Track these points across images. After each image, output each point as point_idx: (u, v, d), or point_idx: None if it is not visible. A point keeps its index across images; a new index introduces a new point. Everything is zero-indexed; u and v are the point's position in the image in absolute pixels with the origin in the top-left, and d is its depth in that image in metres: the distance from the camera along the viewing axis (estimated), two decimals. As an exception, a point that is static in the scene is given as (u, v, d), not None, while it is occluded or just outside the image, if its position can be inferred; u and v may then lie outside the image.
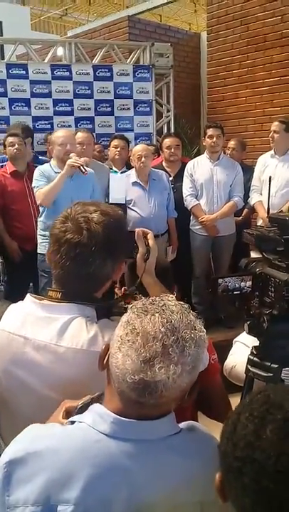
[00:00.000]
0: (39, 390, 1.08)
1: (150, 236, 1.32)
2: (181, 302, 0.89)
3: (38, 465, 0.83)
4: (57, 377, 1.07)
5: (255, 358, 1.30)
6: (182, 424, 0.94)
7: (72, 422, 0.90)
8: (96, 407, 0.89)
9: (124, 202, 1.09)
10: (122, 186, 1.10)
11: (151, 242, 1.31)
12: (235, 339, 1.72)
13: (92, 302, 1.14)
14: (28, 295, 1.18)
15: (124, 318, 0.87)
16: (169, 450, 0.86)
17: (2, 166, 3.97)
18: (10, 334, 1.11)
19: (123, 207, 3.95)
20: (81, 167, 3.19)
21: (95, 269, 1.11)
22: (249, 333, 1.28)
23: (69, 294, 1.12)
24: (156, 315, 0.83)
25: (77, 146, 3.83)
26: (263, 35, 5.42)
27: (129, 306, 0.89)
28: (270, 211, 3.61)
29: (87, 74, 5.19)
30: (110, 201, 1.30)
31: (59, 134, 3.32)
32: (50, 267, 1.18)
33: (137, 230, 1.31)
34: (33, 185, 3.31)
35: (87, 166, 3.53)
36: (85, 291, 1.13)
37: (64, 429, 0.89)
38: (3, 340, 1.11)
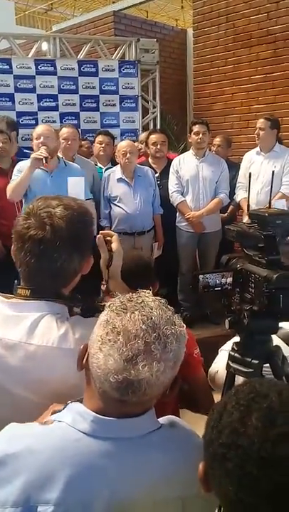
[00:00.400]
0: (13, 390, 1.06)
1: (114, 239, 1.29)
2: (158, 297, 0.89)
3: (16, 466, 0.81)
4: (29, 377, 1.05)
5: (236, 354, 1.30)
6: (162, 420, 0.93)
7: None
8: (76, 405, 0.87)
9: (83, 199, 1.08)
10: (80, 187, 1.09)
11: (115, 245, 1.28)
12: (221, 348, 1.71)
13: (62, 299, 1.13)
14: None
15: (103, 317, 0.86)
16: (149, 447, 0.86)
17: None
18: None
19: (95, 200, 3.87)
20: (44, 159, 3.10)
21: (61, 264, 1.09)
22: (230, 328, 1.28)
23: (38, 292, 1.11)
24: (136, 312, 0.83)
25: (63, 141, 3.81)
26: (249, 32, 5.42)
27: (107, 304, 0.88)
28: (257, 208, 3.63)
29: (72, 69, 5.14)
30: None
31: (36, 129, 3.32)
32: None
33: (98, 236, 1.28)
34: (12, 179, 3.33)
35: (64, 160, 3.50)
36: (53, 287, 1.12)
37: (43, 428, 0.88)
38: None
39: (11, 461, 0.82)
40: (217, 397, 1.70)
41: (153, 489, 0.83)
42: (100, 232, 1.31)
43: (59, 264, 1.09)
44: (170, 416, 0.97)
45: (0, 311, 1.11)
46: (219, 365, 1.62)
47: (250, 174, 1.75)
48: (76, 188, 1.16)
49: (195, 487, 0.81)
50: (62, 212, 1.11)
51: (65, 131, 3.83)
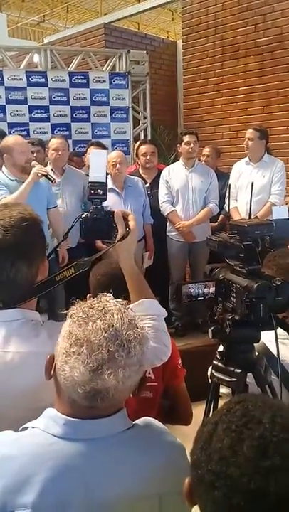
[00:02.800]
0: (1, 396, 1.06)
1: (131, 217, 1.25)
2: (119, 300, 0.90)
3: None
4: (8, 384, 1.06)
5: (219, 364, 1.32)
6: (136, 421, 0.95)
7: (25, 429, 0.90)
8: (48, 411, 0.89)
9: (104, 180, 1.03)
10: (102, 163, 1.05)
11: (132, 223, 1.24)
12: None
13: (34, 294, 1.13)
14: None
15: (66, 328, 0.86)
16: (122, 445, 0.87)
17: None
18: None
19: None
20: (48, 175, 3.16)
21: (7, 275, 1.09)
22: (213, 338, 1.29)
23: (8, 302, 1.12)
24: (98, 321, 0.83)
25: (52, 152, 3.82)
26: (237, 44, 5.50)
27: (69, 313, 0.88)
28: (247, 217, 3.67)
29: (63, 81, 5.19)
30: (90, 180, 1.20)
31: (17, 142, 3.21)
32: None
33: (116, 210, 1.25)
34: None
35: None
36: (12, 296, 1.11)
37: (17, 435, 0.89)
38: None
39: None
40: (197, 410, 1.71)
41: (128, 487, 0.84)
42: (118, 210, 1.26)
43: (5, 275, 1.09)
44: (144, 417, 0.98)
45: None
46: None
47: (229, 186, 1.78)
48: (101, 160, 1.11)
49: (170, 483, 0.83)
50: None
51: (54, 141, 3.84)
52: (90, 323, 0.83)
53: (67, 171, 3.93)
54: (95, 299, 0.90)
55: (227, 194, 1.84)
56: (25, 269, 1.11)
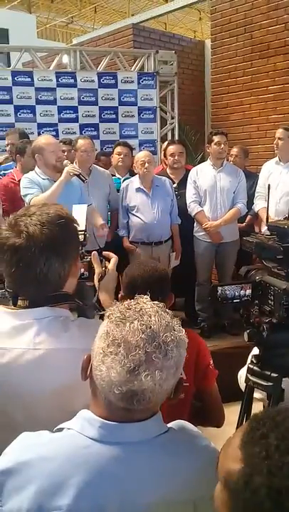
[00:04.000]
0: (25, 396, 1.07)
1: (112, 261, 1.40)
2: (156, 302, 0.89)
3: (28, 474, 0.83)
4: (40, 384, 1.06)
5: (255, 367, 1.30)
6: (171, 424, 0.94)
7: (61, 430, 0.90)
8: (83, 412, 0.89)
9: (84, 228, 1.17)
10: (82, 216, 1.18)
11: (110, 266, 1.38)
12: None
13: (63, 301, 1.14)
14: (0, 307, 1.17)
15: (103, 328, 0.86)
16: (158, 450, 0.86)
17: (4, 175, 3.99)
18: None
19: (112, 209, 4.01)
20: (80, 175, 3.19)
21: (40, 271, 1.09)
22: (248, 341, 1.28)
23: (35, 301, 1.11)
24: (135, 322, 0.83)
25: (82, 153, 3.85)
26: (267, 43, 5.43)
27: (106, 314, 0.88)
28: (275, 218, 3.62)
29: (92, 81, 5.22)
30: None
31: (48, 141, 3.25)
32: None
33: (93, 252, 1.36)
34: (23, 193, 3.21)
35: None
36: (43, 294, 1.11)
37: (53, 436, 0.89)
38: None
39: (24, 469, 0.83)
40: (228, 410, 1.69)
41: (164, 492, 0.83)
42: (104, 252, 1.38)
43: (38, 270, 1.09)
44: (178, 420, 0.97)
45: (6, 322, 1.12)
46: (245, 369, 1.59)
47: (269, 186, 1.74)
48: (81, 213, 1.22)
49: (205, 488, 0.81)
50: (36, 218, 1.11)
51: (82, 142, 3.85)
52: (128, 324, 0.83)
53: (93, 171, 3.96)
54: (132, 300, 0.90)
55: (266, 193, 1.79)
56: (57, 266, 1.11)
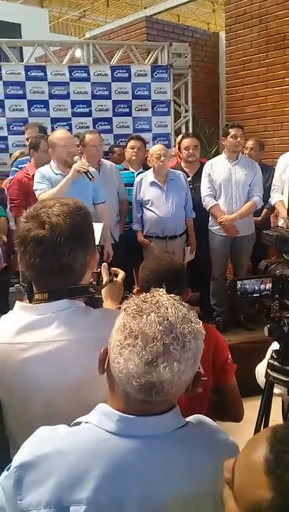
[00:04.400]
0: (50, 390, 1.07)
1: (120, 276, 1.46)
2: (172, 295, 0.89)
3: (47, 468, 0.83)
4: (61, 375, 1.06)
5: (275, 362, 1.28)
6: (189, 418, 0.94)
7: (78, 424, 0.90)
8: (101, 406, 0.89)
9: (97, 244, 1.29)
10: (97, 233, 1.29)
11: (118, 279, 1.45)
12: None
13: (81, 294, 1.15)
14: (17, 302, 1.17)
15: (120, 320, 0.86)
16: (177, 443, 0.86)
17: (20, 169, 4.00)
18: (8, 345, 1.09)
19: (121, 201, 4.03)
20: (88, 173, 3.14)
21: (66, 261, 1.09)
22: (269, 336, 1.25)
23: (55, 292, 1.12)
24: (152, 314, 0.83)
25: (91, 148, 3.82)
26: (283, 34, 5.34)
27: (122, 307, 0.88)
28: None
29: (105, 75, 5.20)
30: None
31: (60, 136, 3.24)
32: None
33: (103, 264, 1.40)
34: (34, 187, 3.22)
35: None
36: (65, 285, 1.12)
37: (70, 430, 0.89)
38: (3, 354, 1.09)
39: (42, 463, 0.84)
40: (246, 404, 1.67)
41: (183, 486, 0.83)
42: (112, 268, 1.42)
43: (64, 260, 1.09)
44: (197, 415, 0.97)
45: (25, 317, 1.12)
46: (263, 362, 1.55)
47: None
48: (97, 230, 1.34)
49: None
50: (58, 209, 1.12)
51: (91, 137, 3.79)
52: (145, 316, 0.82)
53: (102, 165, 3.95)
54: (148, 293, 0.89)
55: (278, 186, 1.75)
56: (81, 256, 1.12)
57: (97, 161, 3.89)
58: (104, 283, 1.36)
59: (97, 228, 1.51)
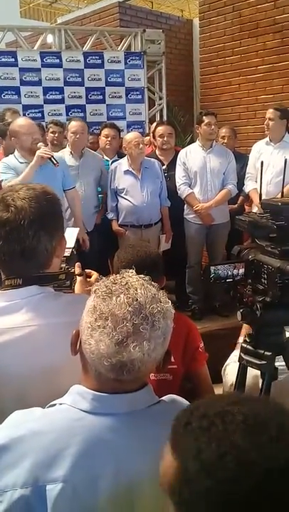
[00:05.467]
0: (21, 376, 1.06)
1: (93, 278, 1.42)
2: (142, 276, 0.90)
3: (22, 449, 0.84)
4: (37, 358, 1.06)
5: (248, 346, 1.29)
6: (162, 398, 0.96)
7: (53, 406, 0.91)
8: (75, 387, 0.90)
9: (72, 247, 1.29)
10: (72, 237, 1.31)
11: (92, 279, 1.41)
12: (238, 341, 1.66)
13: (51, 281, 1.15)
14: None
15: (90, 302, 0.88)
16: (149, 420, 0.88)
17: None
18: None
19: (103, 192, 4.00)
20: (52, 158, 3.07)
21: (29, 244, 1.09)
22: (242, 320, 1.27)
23: (27, 278, 1.12)
24: (122, 296, 0.84)
25: (71, 135, 3.80)
26: (256, 22, 5.34)
27: (92, 289, 0.90)
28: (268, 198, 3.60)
29: (78, 61, 5.11)
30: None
31: (22, 123, 3.14)
32: None
33: (77, 263, 1.39)
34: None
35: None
36: (31, 270, 1.12)
37: (45, 411, 0.90)
38: None
39: (17, 445, 0.84)
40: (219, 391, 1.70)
41: (156, 460, 0.83)
42: (86, 270, 1.40)
43: (27, 244, 1.09)
44: (169, 395, 0.99)
45: None
46: (232, 358, 1.59)
47: (261, 163, 1.71)
48: (71, 235, 1.37)
49: None
50: (24, 193, 1.12)
51: (73, 124, 3.82)
52: (114, 298, 0.84)
53: (85, 154, 3.90)
54: (118, 275, 0.91)
55: (251, 174, 1.76)
56: (45, 240, 1.12)
57: (79, 149, 3.85)
58: (78, 282, 1.37)
59: (72, 233, 1.51)
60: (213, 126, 3.88)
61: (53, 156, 3.09)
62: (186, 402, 0.98)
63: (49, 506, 0.80)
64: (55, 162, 3.09)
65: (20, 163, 3.13)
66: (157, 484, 0.83)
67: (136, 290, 0.85)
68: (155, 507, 0.83)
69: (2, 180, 3.08)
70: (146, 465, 0.83)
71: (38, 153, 3.06)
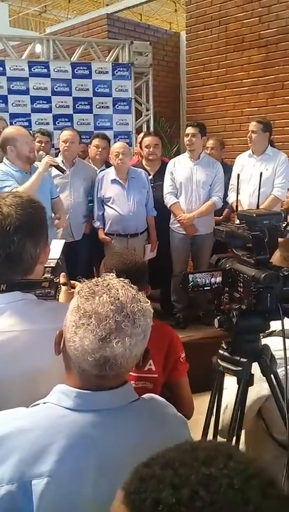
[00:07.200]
0: (2, 381, 1.07)
1: (77, 288, 1.41)
2: (122, 279, 0.95)
3: (8, 446, 0.86)
4: (18, 364, 1.07)
5: (225, 353, 1.32)
6: (142, 396, 1.00)
7: (36, 406, 0.93)
8: (59, 386, 0.93)
9: (57, 257, 1.33)
10: (58, 248, 1.36)
11: (76, 290, 1.41)
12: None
13: (34, 288, 1.18)
14: None
15: (74, 303, 0.92)
16: (130, 415, 0.92)
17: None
18: None
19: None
20: (59, 166, 3.20)
21: (14, 249, 1.13)
22: (219, 327, 1.30)
23: (11, 284, 1.14)
24: (104, 295, 0.89)
25: (62, 143, 3.85)
26: (241, 36, 5.46)
27: (76, 290, 0.95)
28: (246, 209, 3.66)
29: (66, 71, 5.15)
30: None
31: (21, 132, 3.19)
32: None
33: (62, 273, 1.42)
34: None
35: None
36: (14, 276, 1.15)
37: (30, 410, 0.93)
38: None
39: (3, 442, 0.86)
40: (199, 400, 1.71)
41: (136, 454, 0.85)
42: (71, 281, 1.42)
43: (12, 249, 1.13)
44: (148, 394, 1.03)
45: None
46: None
47: (238, 176, 1.77)
48: (56, 246, 1.43)
49: None
50: (11, 200, 1.16)
51: (64, 133, 3.90)
52: (97, 298, 0.89)
53: (77, 163, 3.94)
54: (99, 278, 0.96)
55: (234, 185, 1.80)
56: (30, 247, 1.15)
57: (70, 158, 3.89)
58: (63, 292, 1.40)
59: (58, 244, 1.55)
60: (190, 137, 3.93)
61: (59, 164, 3.20)
62: (163, 401, 1.02)
63: (35, 501, 0.82)
64: (63, 170, 3.22)
65: (15, 171, 3.13)
66: None
67: (117, 290, 0.90)
68: None
69: (5, 187, 3.00)
70: (127, 457, 0.84)
71: (45, 160, 3.16)
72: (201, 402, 1.73)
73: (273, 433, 1.45)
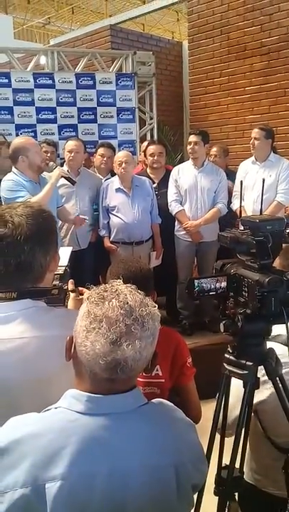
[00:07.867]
0: (13, 387, 1.09)
1: (85, 295, 1.44)
2: (129, 284, 0.98)
3: (21, 451, 0.88)
4: (27, 373, 1.09)
5: (231, 357, 1.34)
6: (151, 400, 1.02)
7: (48, 411, 0.95)
8: (70, 391, 0.95)
9: (65, 265, 1.36)
10: (66, 255, 1.41)
11: (84, 296, 1.44)
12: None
13: (44, 295, 1.20)
14: None
15: (84, 308, 0.94)
16: (141, 419, 0.94)
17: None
18: None
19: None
20: (70, 178, 3.26)
21: (24, 258, 1.15)
22: (224, 332, 1.32)
23: (22, 292, 1.16)
24: (114, 300, 0.91)
25: (67, 153, 3.90)
26: (243, 44, 5.53)
27: (85, 297, 0.97)
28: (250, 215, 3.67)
29: (70, 82, 5.23)
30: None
31: (32, 142, 3.24)
32: None
33: (70, 280, 1.45)
34: (8, 196, 3.05)
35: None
36: (25, 284, 1.17)
37: (42, 415, 0.94)
38: None
39: (16, 447, 0.88)
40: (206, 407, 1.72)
41: (146, 457, 0.91)
42: (79, 287, 1.45)
43: (22, 258, 1.15)
44: (156, 398, 1.05)
45: None
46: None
47: (241, 182, 1.79)
48: (64, 253, 1.47)
49: (183, 455, 0.93)
50: (22, 210, 1.19)
51: (69, 143, 3.95)
52: (107, 302, 0.91)
53: (82, 173, 3.99)
54: (107, 284, 0.98)
55: (238, 192, 1.83)
56: (40, 256, 1.18)
57: (76, 168, 3.94)
58: (72, 299, 1.43)
59: (66, 252, 1.58)
60: (192, 145, 3.97)
61: (70, 176, 3.30)
62: (172, 405, 1.04)
63: (48, 504, 0.84)
64: (74, 181, 3.31)
65: (25, 181, 3.13)
66: (147, 481, 0.89)
67: (126, 295, 0.93)
68: (146, 502, 0.89)
69: (18, 197, 2.98)
70: (138, 460, 0.89)
71: (58, 171, 3.23)
72: (208, 409, 1.73)
73: (270, 436, 1.47)
